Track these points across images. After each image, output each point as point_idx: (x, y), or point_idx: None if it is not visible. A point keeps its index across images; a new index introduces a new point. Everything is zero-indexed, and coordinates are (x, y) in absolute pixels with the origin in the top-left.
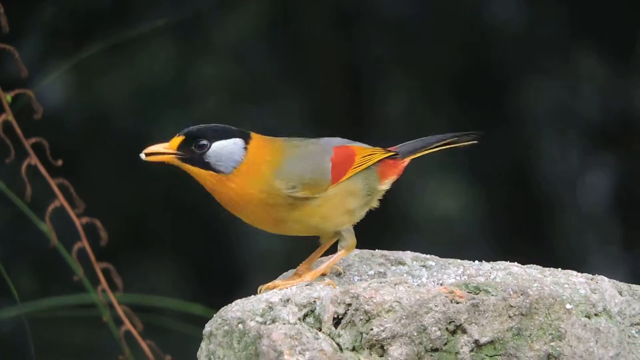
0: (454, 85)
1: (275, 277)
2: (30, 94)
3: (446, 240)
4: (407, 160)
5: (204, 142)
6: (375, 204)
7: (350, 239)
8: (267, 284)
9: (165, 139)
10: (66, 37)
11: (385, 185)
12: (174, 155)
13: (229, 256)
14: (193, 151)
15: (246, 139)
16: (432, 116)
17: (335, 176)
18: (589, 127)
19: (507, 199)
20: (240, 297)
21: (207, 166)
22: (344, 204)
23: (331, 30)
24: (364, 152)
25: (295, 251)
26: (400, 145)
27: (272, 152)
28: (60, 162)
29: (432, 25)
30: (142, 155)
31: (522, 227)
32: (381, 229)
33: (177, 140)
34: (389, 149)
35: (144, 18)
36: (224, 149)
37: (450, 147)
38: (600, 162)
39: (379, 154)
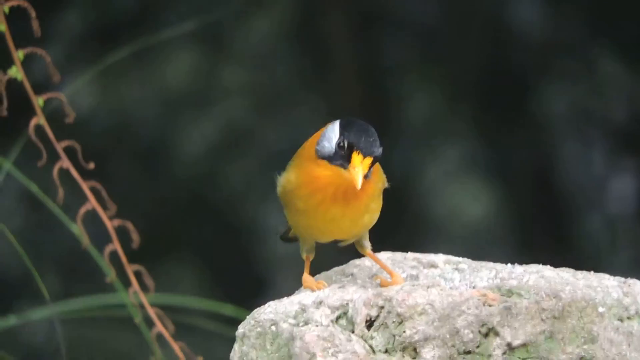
0: (474, 87)
1: (299, 281)
2: (62, 98)
3: (471, 244)
4: None
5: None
6: None
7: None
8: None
9: (347, 142)
10: (91, 41)
11: None
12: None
13: (255, 258)
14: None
15: None
16: (453, 119)
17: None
18: (612, 129)
19: (531, 202)
20: (267, 299)
21: (367, 175)
22: None
23: (352, 33)
24: None
25: (319, 255)
26: None
27: None
28: (92, 166)
29: (453, 28)
30: (357, 187)
31: (547, 231)
32: (405, 235)
33: (368, 162)
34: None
35: (168, 23)
36: None
37: None
38: (625, 164)
39: None
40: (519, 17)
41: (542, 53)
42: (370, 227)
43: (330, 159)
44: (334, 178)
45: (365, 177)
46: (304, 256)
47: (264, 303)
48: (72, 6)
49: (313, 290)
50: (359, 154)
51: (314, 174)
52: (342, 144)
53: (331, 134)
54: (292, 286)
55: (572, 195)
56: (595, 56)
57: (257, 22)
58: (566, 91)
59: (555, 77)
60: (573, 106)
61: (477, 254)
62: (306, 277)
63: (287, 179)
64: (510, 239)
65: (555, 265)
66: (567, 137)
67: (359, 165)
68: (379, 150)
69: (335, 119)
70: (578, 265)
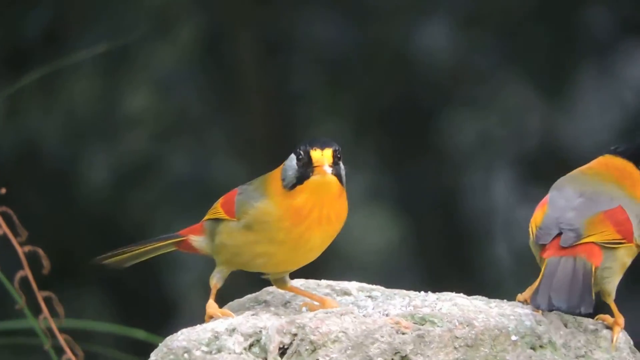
0: (381, 116)
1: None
2: None
3: (377, 273)
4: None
5: (339, 155)
6: None
7: None
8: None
9: (302, 150)
10: None
11: None
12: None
13: (165, 284)
14: (337, 164)
15: None
16: (359, 147)
17: None
18: (519, 158)
19: (436, 231)
20: (178, 325)
21: (340, 179)
22: None
23: (260, 60)
24: None
25: (232, 283)
26: None
27: None
28: (3, 191)
29: (361, 57)
30: (328, 177)
31: (452, 259)
32: (315, 262)
33: (330, 153)
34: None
35: (75, 49)
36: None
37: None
38: (532, 193)
39: None
40: (427, 46)
41: (450, 81)
42: None
43: (298, 178)
44: (314, 197)
45: (340, 181)
46: (213, 283)
47: (176, 329)
48: None
49: (217, 317)
50: (315, 150)
51: (296, 204)
52: (300, 156)
53: (290, 163)
54: (204, 312)
55: (479, 223)
56: (504, 84)
57: (164, 48)
58: (474, 120)
59: (463, 106)
60: (480, 135)
61: (388, 281)
62: (211, 303)
63: (265, 211)
64: (418, 267)
65: (464, 293)
66: (474, 165)
67: (320, 157)
68: (335, 144)
69: (242, 146)
70: (484, 294)
